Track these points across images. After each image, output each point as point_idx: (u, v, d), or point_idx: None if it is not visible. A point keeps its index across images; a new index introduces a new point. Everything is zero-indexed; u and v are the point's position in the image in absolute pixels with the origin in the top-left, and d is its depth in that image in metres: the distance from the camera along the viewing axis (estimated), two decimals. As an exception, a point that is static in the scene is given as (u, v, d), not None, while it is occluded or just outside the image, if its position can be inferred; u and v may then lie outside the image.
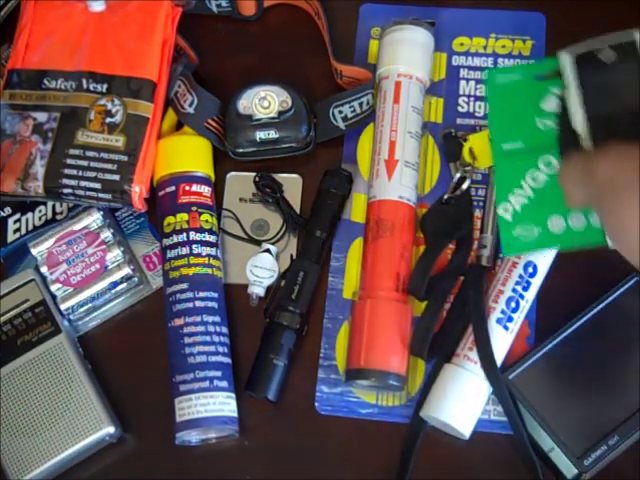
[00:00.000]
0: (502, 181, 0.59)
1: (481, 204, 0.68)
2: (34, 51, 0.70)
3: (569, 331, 0.63)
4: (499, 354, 0.62)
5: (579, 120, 0.53)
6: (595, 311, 0.63)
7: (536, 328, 0.65)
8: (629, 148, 0.49)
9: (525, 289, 0.63)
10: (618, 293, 0.64)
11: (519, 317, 0.63)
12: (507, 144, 0.59)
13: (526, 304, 0.63)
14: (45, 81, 0.69)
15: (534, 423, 0.61)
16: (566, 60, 0.54)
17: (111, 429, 0.63)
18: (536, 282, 0.63)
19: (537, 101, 0.58)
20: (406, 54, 0.69)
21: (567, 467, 0.60)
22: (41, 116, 0.68)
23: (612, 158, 0.49)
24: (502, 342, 0.62)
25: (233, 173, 0.71)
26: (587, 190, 0.51)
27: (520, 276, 0.63)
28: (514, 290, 0.63)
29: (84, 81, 0.68)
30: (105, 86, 0.68)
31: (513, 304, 0.62)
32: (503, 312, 0.62)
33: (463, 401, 0.60)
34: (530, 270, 0.63)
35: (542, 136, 0.58)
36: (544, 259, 0.64)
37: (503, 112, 0.60)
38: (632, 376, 0.61)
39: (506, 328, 0.62)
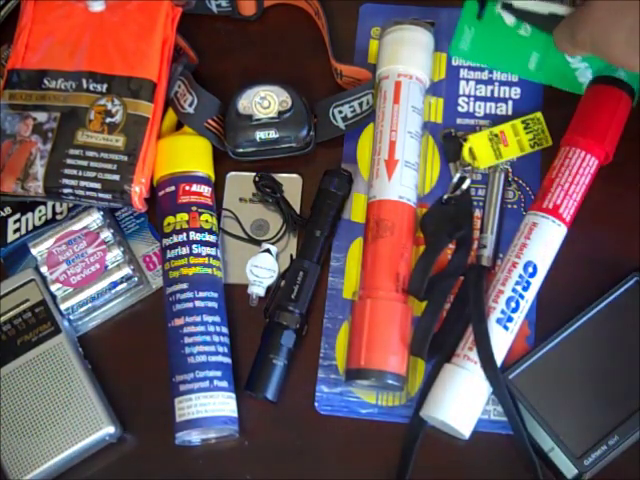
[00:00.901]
0: None
1: (481, 204, 0.68)
2: (34, 51, 0.70)
3: (569, 331, 0.63)
4: (499, 354, 0.62)
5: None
6: (595, 311, 0.63)
7: (536, 328, 0.65)
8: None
9: (525, 289, 0.63)
10: (618, 293, 0.64)
11: (519, 317, 0.63)
12: None
13: (526, 304, 0.63)
14: (45, 81, 0.69)
15: (534, 423, 0.61)
16: None
17: (111, 429, 0.63)
18: (536, 282, 0.63)
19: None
20: (406, 54, 0.69)
21: (567, 467, 0.60)
22: (41, 116, 0.68)
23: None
24: (502, 342, 0.62)
25: (233, 173, 0.71)
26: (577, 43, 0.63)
27: (520, 276, 0.63)
28: (514, 290, 0.63)
29: (84, 81, 0.68)
30: (105, 86, 0.68)
31: (513, 304, 0.62)
32: (503, 312, 0.62)
33: (463, 401, 0.60)
34: (530, 270, 0.63)
35: None
36: (544, 259, 0.64)
37: None
38: (632, 376, 0.61)
39: (506, 328, 0.62)
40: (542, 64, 0.71)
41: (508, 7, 0.71)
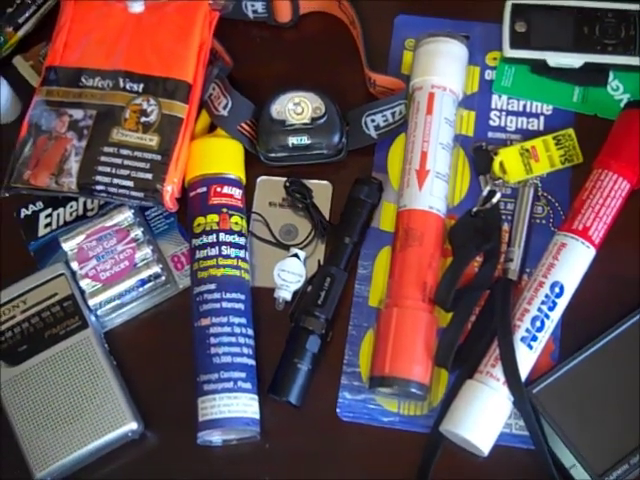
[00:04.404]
0: None
1: (509, 218, 0.68)
2: (72, 49, 0.71)
3: (594, 348, 0.63)
4: (522, 372, 0.62)
5: None
6: (620, 330, 0.63)
7: (561, 344, 0.65)
8: None
9: (551, 309, 0.63)
10: (644, 313, 0.64)
11: (544, 336, 0.63)
12: None
13: (551, 324, 0.63)
14: (82, 79, 0.70)
15: (556, 439, 0.61)
16: None
17: (134, 425, 0.63)
18: (562, 302, 0.63)
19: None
20: (440, 66, 0.70)
21: (588, 484, 0.60)
22: (77, 113, 0.69)
23: None
24: (526, 361, 0.62)
25: (264, 177, 0.72)
26: None
27: (546, 296, 0.63)
28: (540, 309, 0.63)
29: (121, 80, 0.69)
30: (141, 86, 0.69)
31: (538, 323, 0.62)
32: (528, 331, 0.62)
33: (484, 418, 0.60)
34: (557, 290, 0.63)
35: None
36: (572, 280, 0.64)
37: None
38: (656, 396, 0.61)
39: (530, 347, 0.62)
40: (586, 96, 0.71)
41: (540, 69, 0.72)
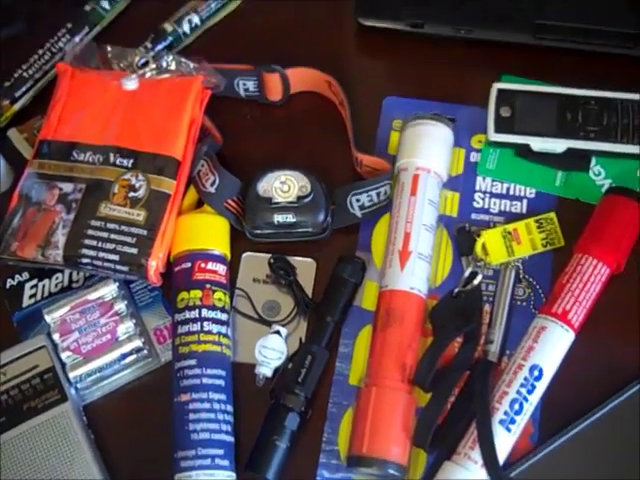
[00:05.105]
0: None
1: (491, 299, 0.69)
2: (66, 124, 0.72)
3: (573, 432, 0.63)
4: (500, 455, 0.61)
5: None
6: (599, 414, 0.63)
7: (540, 426, 0.65)
8: None
9: (530, 392, 0.63)
10: (622, 398, 0.64)
11: (522, 419, 0.63)
12: None
13: (530, 407, 0.63)
14: (74, 153, 0.71)
15: (534, 524, 0.60)
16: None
17: (109, 501, 0.63)
18: (541, 385, 0.63)
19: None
20: (426, 148, 0.71)
21: None
22: (67, 187, 0.70)
23: None
24: (504, 443, 0.62)
25: (249, 253, 0.72)
26: None
27: (525, 379, 0.63)
28: (519, 392, 0.63)
29: (111, 155, 0.70)
30: (131, 161, 0.70)
31: (517, 406, 0.62)
32: (506, 413, 0.62)
33: (462, 501, 0.60)
34: (536, 373, 0.63)
35: None
36: (551, 364, 0.64)
37: None
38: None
39: (508, 430, 0.62)
40: (568, 180, 0.73)
41: (523, 153, 0.73)
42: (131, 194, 0.69)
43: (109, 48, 0.76)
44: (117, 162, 0.70)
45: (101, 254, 0.67)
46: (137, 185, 0.69)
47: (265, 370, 0.67)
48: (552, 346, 0.64)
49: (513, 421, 0.62)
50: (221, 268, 0.69)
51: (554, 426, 0.64)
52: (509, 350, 0.67)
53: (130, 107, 0.72)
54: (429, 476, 0.62)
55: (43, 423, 0.65)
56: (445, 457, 0.63)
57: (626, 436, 0.62)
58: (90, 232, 0.68)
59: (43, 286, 0.71)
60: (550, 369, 0.64)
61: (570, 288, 0.66)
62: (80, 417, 0.66)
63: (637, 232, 0.68)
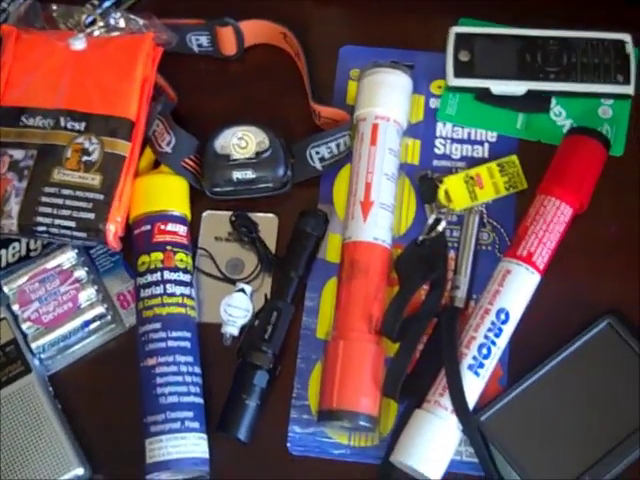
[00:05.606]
0: None
1: (455, 245, 0.68)
2: (13, 88, 0.70)
3: (541, 373, 0.63)
4: (470, 399, 0.62)
5: None
6: (567, 353, 0.64)
7: (509, 369, 0.65)
8: None
9: (497, 336, 0.63)
10: (589, 335, 0.64)
11: (491, 363, 0.63)
12: None
13: (498, 350, 0.63)
14: (23, 118, 0.69)
15: (505, 464, 0.61)
16: None
17: (80, 471, 0.63)
18: (508, 329, 0.63)
19: None
20: (384, 97, 0.70)
21: (538, 509, 0.60)
22: (18, 153, 0.68)
23: None
24: (473, 388, 0.62)
25: (209, 212, 0.71)
26: None
27: (492, 323, 0.63)
28: (486, 337, 0.63)
29: (62, 119, 0.69)
30: (83, 124, 0.68)
31: (485, 351, 0.62)
32: (475, 358, 0.62)
33: (433, 448, 0.60)
34: (502, 317, 0.63)
35: None
36: (517, 307, 0.64)
37: None
38: (603, 419, 0.61)
39: (477, 374, 0.62)
40: (529, 123, 0.72)
41: (484, 97, 0.72)
42: (85, 158, 0.67)
43: (54, 7, 0.74)
44: (68, 126, 0.68)
45: (57, 221, 0.66)
46: (90, 149, 0.67)
47: (231, 329, 0.67)
48: (518, 289, 0.64)
49: (482, 365, 0.62)
50: (181, 229, 0.68)
51: (523, 368, 0.64)
52: (476, 295, 0.67)
53: (79, 68, 0.70)
54: (400, 425, 0.62)
55: (8, 396, 0.64)
56: (416, 406, 0.63)
57: (594, 374, 0.63)
58: (44, 199, 0.66)
59: (0, 256, 0.70)
60: (517, 312, 0.64)
61: (534, 230, 0.65)
62: (46, 387, 0.65)
63: (599, 171, 0.68)
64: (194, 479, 0.63)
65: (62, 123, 0.69)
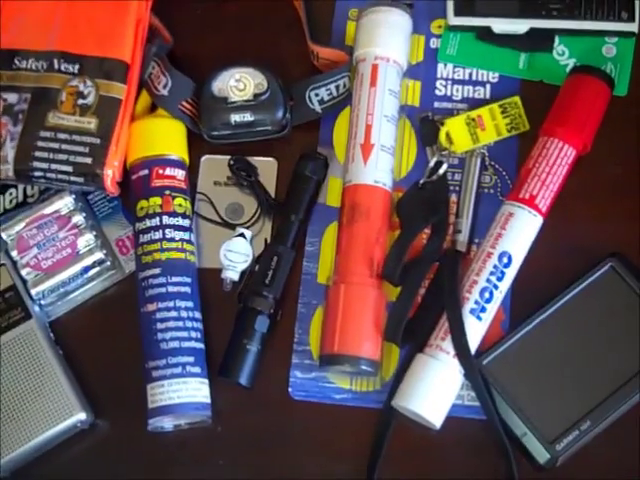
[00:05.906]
0: None
1: (457, 188, 0.68)
2: (4, 30, 0.69)
3: (543, 316, 0.63)
4: (472, 344, 0.62)
5: None
6: (569, 296, 0.64)
7: (511, 313, 0.65)
8: None
9: (499, 279, 0.62)
10: (592, 278, 0.64)
11: (493, 307, 0.62)
12: None
13: (500, 294, 0.63)
14: (16, 61, 0.68)
15: (507, 408, 0.61)
16: None
17: (82, 415, 0.63)
18: (511, 272, 0.63)
19: None
20: (383, 36, 0.69)
21: (539, 452, 0.60)
22: (12, 97, 0.67)
23: None
24: (475, 332, 0.62)
25: (208, 156, 0.70)
26: None
27: (495, 266, 0.63)
28: (488, 280, 0.62)
29: (55, 61, 0.67)
30: (77, 67, 0.67)
31: (487, 294, 0.62)
32: (477, 302, 0.62)
33: (434, 392, 0.60)
34: (505, 260, 0.63)
35: None
36: (520, 250, 0.63)
37: None
38: (604, 362, 0.62)
39: (479, 318, 0.62)
40: (532, 62, 0.71)
41: (485, 36, 0.71)
42: (80, 101, 0.66)
43: (45, -53, 0.72)
44: (62, 68, 0.67)
45: (54, 166, 0.65)
46: (85, 91, 0.66)
47: (231, 274, 0.66)
48: (520, 232, 0.64)
49: (484, 309, 0.62)
50: (180, 173, 0.67)
51: (525, 312, 0.64)
52: (478, 239, 0.66)
53: (72, 9, 0.69)
54: (402, 370, 0.62)
55: (9, 342, 0.64)
56: (417, 350, 0.63)
57: (596, 317, 0.63)
58: (40, 144, 0.65)
59: (-4, 202, 0.69)
60: (519, 255, 0.63)
61: (536, 172, 0.64)
62: (47, 333, 0.65)
63: (603, 111, 0.67)
64: (196, 423, 0.64)
65: (55, 65, 0.67)
